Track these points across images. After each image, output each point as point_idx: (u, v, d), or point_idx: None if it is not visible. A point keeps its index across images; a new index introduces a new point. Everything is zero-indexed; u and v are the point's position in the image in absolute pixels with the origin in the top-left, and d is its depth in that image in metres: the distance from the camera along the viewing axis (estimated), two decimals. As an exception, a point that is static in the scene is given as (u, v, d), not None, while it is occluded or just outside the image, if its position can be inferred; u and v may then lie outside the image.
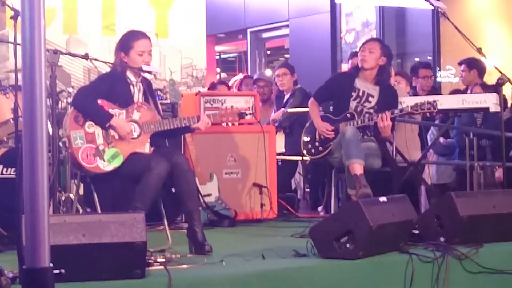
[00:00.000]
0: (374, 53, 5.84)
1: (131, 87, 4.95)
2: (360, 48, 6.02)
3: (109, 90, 4.86)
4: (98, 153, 4.74)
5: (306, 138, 6.10)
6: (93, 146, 4.75)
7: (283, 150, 7.59)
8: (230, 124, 5.17)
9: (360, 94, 5.86)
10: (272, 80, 8.43)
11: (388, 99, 5.85)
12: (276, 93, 8.30)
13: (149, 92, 5.06)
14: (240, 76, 10.76)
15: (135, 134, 4.85)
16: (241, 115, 5.17)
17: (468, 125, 7.31)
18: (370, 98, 5.85)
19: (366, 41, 6.07)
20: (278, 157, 7.24)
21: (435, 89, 8.66)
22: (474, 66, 7.92)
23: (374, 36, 9.97)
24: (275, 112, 7.96)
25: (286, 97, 7.91)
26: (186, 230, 4.71)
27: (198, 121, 4.93)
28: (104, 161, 4.74)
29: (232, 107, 5.30)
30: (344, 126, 5.71)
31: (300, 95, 7.77)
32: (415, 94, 7.60)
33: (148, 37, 5.03)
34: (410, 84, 7.64)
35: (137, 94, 4.97)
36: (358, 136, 5.57)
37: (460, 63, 8.16)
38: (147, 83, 5.09)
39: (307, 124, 6.20)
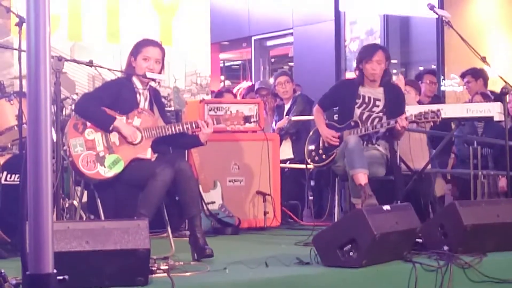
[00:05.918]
0: (381, 64, 5.82)
1: (138, 95, 4.95)
2: (364, 58, 5.83)
3: (114, 97, 4.85)
4: (99, 159, 4.73)
5: (310, 146, 6.09)
6: (93, 152, 4.73)
7: (292, 156, 7.56)
8: (235, 127, 5.12)
9: (366, 100, 5.84)
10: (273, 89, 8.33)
11: (394, 98, 5.83)
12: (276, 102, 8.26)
13: (156, 101, 5.06)
14: (245, 84, 10.75)
15: (138, 139, 4.85)
16: (247, 119, 5.15)
17: (470, 134, 7.30)
18: (377, 102, 5.82)
19: (372, 53, 5.84)
20: (283, 165, 7.21)
21: (438, 97, 8.65)
22: (479, 75, 7.89)
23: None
24: (275, 121, 7.93)
25: (287, 105, 7.89)
26: (188, 237, 4.72)
27: (196, 127, 4.88)
28: (104, 167, 4.72)
29: (237, 111, 5.29)
30: (348, 135, 5.70)
31: (302, 101, 7.77)
32: (419, 101, 7.56)
33: (158, 46, 5.03)
34: (419, 93, 7.63)
35: (143, 102, 4.97)
36: (360, 145, 5.54)
37: (463, 75, 8.12)
38: (154, 92, 5.09)
39: (311, 132, 6.19)
